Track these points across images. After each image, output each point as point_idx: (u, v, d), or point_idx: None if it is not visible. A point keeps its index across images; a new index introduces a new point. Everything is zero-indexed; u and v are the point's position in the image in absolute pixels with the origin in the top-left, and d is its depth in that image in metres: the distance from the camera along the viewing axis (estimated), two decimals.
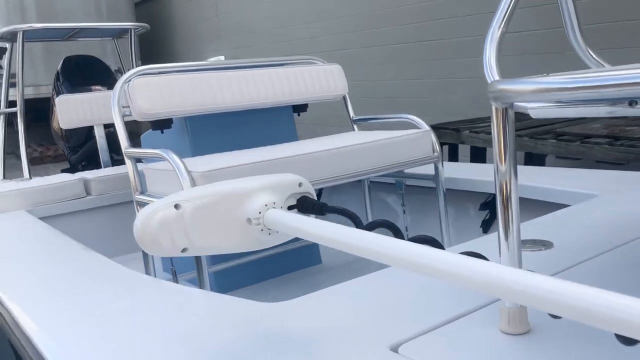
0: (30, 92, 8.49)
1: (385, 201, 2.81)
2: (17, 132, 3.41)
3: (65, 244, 1.82)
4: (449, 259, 0.64)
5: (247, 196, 0.94)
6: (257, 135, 2.36)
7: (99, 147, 3.27)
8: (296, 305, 1.11)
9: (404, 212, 2.45)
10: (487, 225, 2.31)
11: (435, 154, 2.19)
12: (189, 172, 1.67)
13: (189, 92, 2.09)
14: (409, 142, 2.14)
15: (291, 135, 2.46)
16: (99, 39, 4.24)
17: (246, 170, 1.77)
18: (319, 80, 2.43)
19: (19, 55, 3.41)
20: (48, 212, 2.57)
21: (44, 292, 1.39)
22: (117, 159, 3.50)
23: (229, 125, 2.30)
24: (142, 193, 1.96)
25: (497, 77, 1.07)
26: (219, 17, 8.54)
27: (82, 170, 4.44)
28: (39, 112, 6.12)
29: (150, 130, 2.20)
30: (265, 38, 7.53)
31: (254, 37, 7.78)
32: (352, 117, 2.59)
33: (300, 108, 2.51)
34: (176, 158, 1.70)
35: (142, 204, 1.93)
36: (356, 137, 2.16)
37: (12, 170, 3.58)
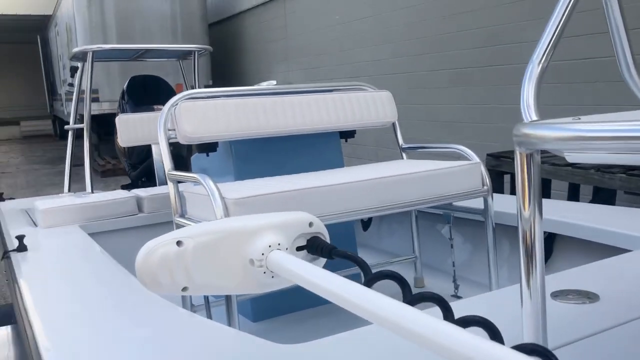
0: (106, 107, 8.90)
1: (434, 233, 2.71)
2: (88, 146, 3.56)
3: (105, 264, 1.84)
4: (448, 333, 0.56)
5: (252, 235, 0.90)
6: (303, 161, 2.33)
7: (154, 165, 3.35)
8: (311, 348, 1.06)
9: (452, 246, 2.34)
10: None
11: (485, 187, 2.09)
12: (222, 198, 1.66)
13: (234, 116, 2.09)
14: (457, 174, 2.05)
15: (337, 162, 2.41)
16: (166, 59, 4.38)
17: (284, 198, 1.74)
18: (367, 106, 2.38)
19: (88, 74, 3.57)
20: (100, 228, 2.63)
21: (69, 313, 1.40)
22: None
23: (274, 150, 2.29)
24: (182, 216, 1.97)
25: (534, 118, 0.99)
26: (288, 39, 8.67)
27: (142, 186, 4.57)
28: (113, 126, 6.39)
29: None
30: (331, 60, 7.57)
31: (320, 59, 7.84)
32: (401, 145, 2.52)
33: (347, 134, 2.47)
34: (211, 183, 1.69)
35: (180, 227, 1.94)
36: (403, 167, 2.09)
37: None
